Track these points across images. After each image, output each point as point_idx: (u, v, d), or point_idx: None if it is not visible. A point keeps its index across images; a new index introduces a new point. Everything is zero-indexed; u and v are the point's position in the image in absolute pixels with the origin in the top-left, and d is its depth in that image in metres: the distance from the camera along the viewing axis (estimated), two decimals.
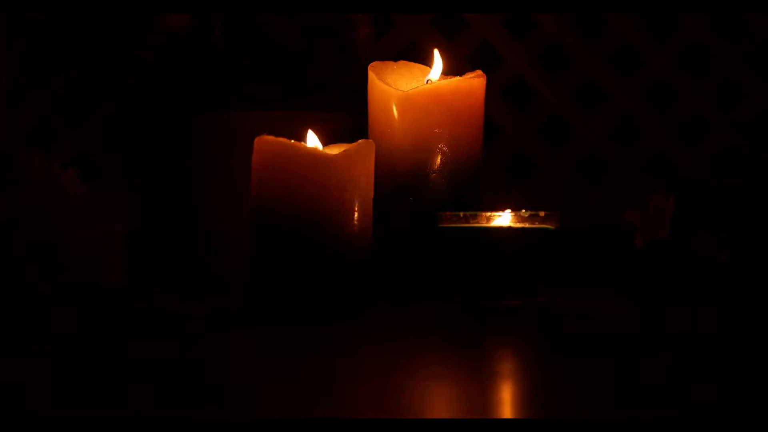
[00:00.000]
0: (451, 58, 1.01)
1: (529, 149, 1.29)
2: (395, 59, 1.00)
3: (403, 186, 0.95)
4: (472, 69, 0.98)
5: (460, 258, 0.86)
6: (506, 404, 0.55)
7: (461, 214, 0.86)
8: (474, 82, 0.96)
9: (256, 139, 0.85)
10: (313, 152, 0.85)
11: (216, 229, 1.15)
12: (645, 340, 0.77)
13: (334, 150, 0.86)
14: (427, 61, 1.00)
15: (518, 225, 0.85)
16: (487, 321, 0.84)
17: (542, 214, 0.85)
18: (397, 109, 0.95)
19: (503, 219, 0.85)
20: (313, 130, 0.89)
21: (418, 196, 0.95)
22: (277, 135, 0.84)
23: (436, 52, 0.99)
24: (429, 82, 0.98)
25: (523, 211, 0.85)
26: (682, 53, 1.30)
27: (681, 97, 1.30)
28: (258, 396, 0.57)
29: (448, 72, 0.99)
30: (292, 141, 0.84)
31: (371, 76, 0.97)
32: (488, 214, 0.85)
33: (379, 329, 0.83)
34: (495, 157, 1.28)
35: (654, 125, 1.30)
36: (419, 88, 0.96)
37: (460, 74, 0.97)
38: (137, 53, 1.22)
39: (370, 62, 0.98)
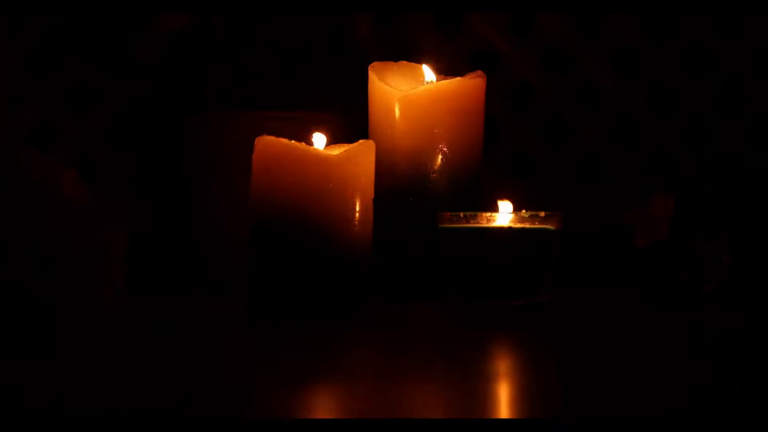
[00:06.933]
0: (451, 58, 1.01)
1: (529, 149, 1.29)
2: (395, 59, 1.00)
3: (403, 186, 0.95)
4: (472, 69, 0.98)
5: (460, 258, 0.86)
6: (506, 404, 0.55)
7: (461, 214, 0.86)
8: (474, 82, 0.96)
9: (256, 139, 0.84)
10: (313, 152, 0.84)
11: (216, 229, 1.15)
12: (645, 341, 0.77)
13: (334, 150, 0.86)
14: (427, 62, 1.00)
15: (518, 225, 0.84)
16: (487, 321, 0.84)
17: (542, 214, 0.85)
18: (397, 109, 0.95)
19: (503, 219, 0.85)
20: (313, 131, 0.89)
21: (418, 196, 0.95)
22: (277, 135, 0.84)
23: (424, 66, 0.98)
24: (429, 82, 0.98)
25: (524, 211, 0.85)
26: (682, 54, 1.30)
27: (681, 97, 1.30)
28: (258, 396, 0.57)
29: (448, 72, 0.99)
30: (292, 141, 0.84)
31: (371, 76, 0.97)
32: (488, 214, 0.85)
33: (379, 329, 0.83)
34: (495, 157, 1.28)
35: (654, 126, 1.30)
36: (419, 89, 0.96)
37: (460, 74, 0.97)
38: (137, 53, 1.22)
39: (370, 62, 0.98)
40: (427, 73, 0.98)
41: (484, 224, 0.85)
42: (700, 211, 1.01)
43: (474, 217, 0.85)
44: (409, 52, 1.17)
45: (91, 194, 0.93)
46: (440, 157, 0.95)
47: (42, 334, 0.79)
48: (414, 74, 1.00)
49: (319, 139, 0.87)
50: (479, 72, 0.97)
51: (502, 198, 0.86)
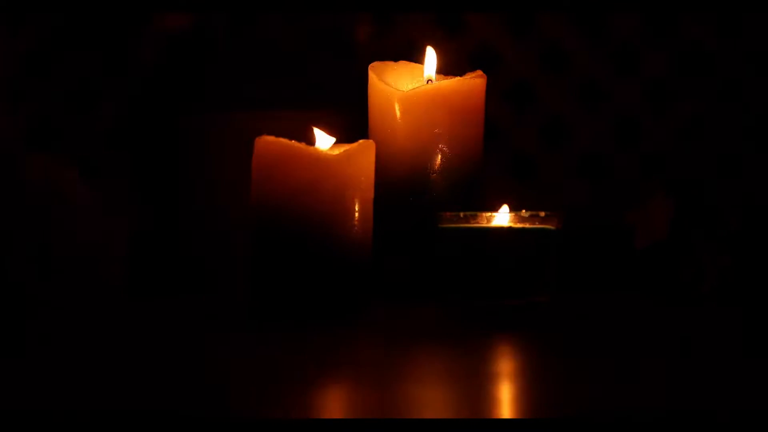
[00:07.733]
0: (451, 58, 1.01)
1: (529, 149, 1.29)
2: (395, 59, 1.00)
3: (403, 186, 0.95)
4: (472, 69, 0.98)
5: (460, 258, 0.86)
6: (506, 404, 0.55)
7: (461, 214, 0.86)
8: (474, 82, 0.96)
9: (256, 140, 0.84)
10: (313, 153, 0.84)
11: (216, 229, 1.15)
12: (645, 341, 0.77)
13: (334, 150, 0.86)
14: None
15: (518, 225, 0.84)
16: (487, 321, 0.84)
17: (542, 214, 0.85)
18: (397, 109, 0.95)
19: (503, 219, 0.85)
20: (313, 131, 0.89)
21: (418, 196, 0.95)
22: (277, 135, 0.84)
23: (429, 48, 0.98)
24: (429, 82, 0.98)
25: (523, 211, 0.85)
26: (682, 53, 1.30)
27: (681, 97, 1.30)
28: (259, 396, 0.57)
29: (448, 72, 0.99)
30: (293, 141, 0.84)
31: (371, 76, 0.97)
32: (488, 214, 0.85)
33: (379, 330, 0.83)
34: (495, 157, 1.28)
35: (654, 125, 1.30)
36: (419, 88, 0.96)
37: (460, 74, 0.97)
38: (137, 53, 1.22)
39: (370, 62, 0.98)
40: (430, 60, 0.97)
41: (484, 224, 0.85)
42: (700, 211, 1.01)
43: (474, 217, 0.85)
44: (409, 52, 1.17)
45: (91, 194, 0.93)
46: (440, 157, 0.95)
47: (41, 334, 0.79)
48: (414, 74, 1.00)
49: (325, 139, 0.87)
50: (479, 72, 0.97)
51: (503, 201, 0.86)
